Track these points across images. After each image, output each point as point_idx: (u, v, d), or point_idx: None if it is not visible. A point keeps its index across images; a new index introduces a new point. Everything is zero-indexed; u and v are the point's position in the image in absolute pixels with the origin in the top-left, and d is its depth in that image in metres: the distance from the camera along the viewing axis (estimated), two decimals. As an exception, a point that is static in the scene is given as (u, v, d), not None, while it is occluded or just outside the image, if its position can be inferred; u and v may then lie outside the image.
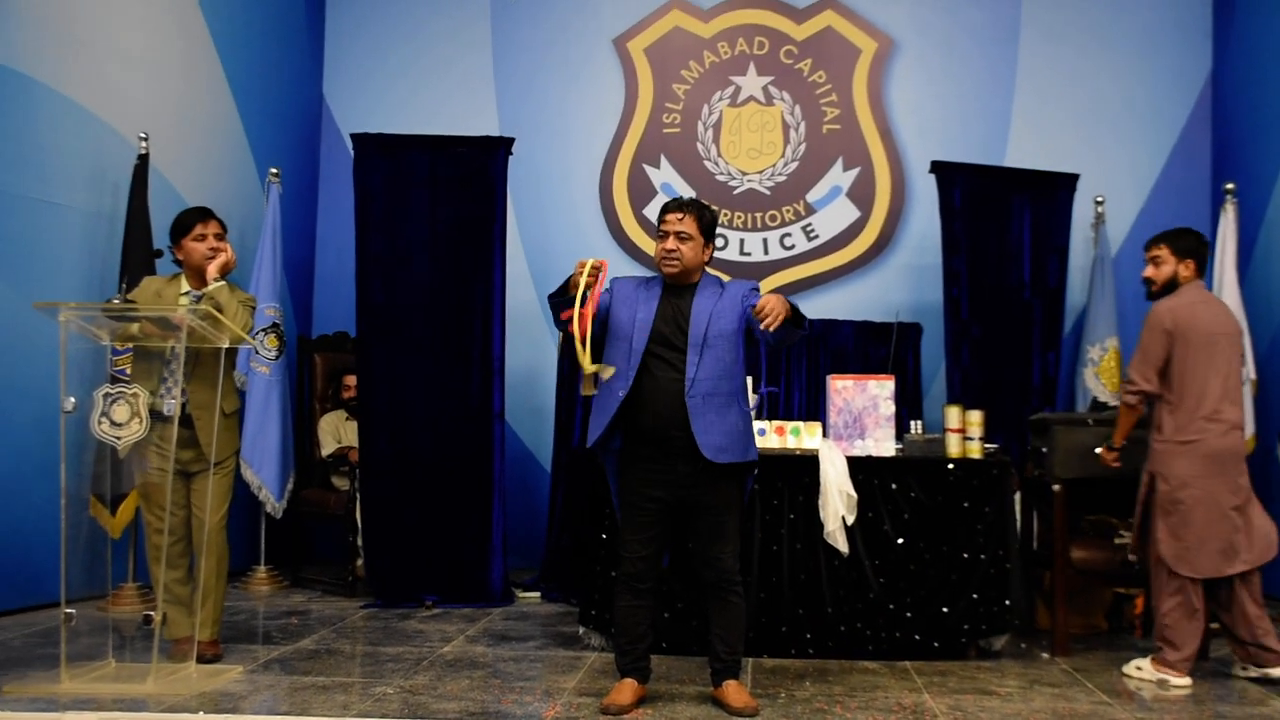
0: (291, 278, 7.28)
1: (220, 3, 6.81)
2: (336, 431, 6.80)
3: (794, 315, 3.89)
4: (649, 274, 4.65)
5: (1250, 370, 6.16)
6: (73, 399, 4.14)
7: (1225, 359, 4.63)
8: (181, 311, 4.27)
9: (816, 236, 7.54)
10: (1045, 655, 5.03)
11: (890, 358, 6.06)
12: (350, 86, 7.90)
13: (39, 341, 4.82)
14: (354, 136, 6.27)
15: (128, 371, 4.80)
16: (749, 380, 4.61)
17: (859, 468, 4.97)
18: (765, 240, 7.57)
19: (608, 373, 4.05)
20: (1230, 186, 6.54)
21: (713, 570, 4.11)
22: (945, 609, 4.91)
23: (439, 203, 6.14)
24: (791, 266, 7.53)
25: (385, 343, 6.08)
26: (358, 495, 6.18)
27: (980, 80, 7.54)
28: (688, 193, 7.52)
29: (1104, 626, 5.59)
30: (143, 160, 5.94)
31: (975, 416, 5.16)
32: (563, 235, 7.54)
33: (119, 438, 4.21)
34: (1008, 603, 4.93)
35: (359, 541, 6.18)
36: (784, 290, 7.46)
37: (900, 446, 5.18)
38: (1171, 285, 4.77)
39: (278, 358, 6.48)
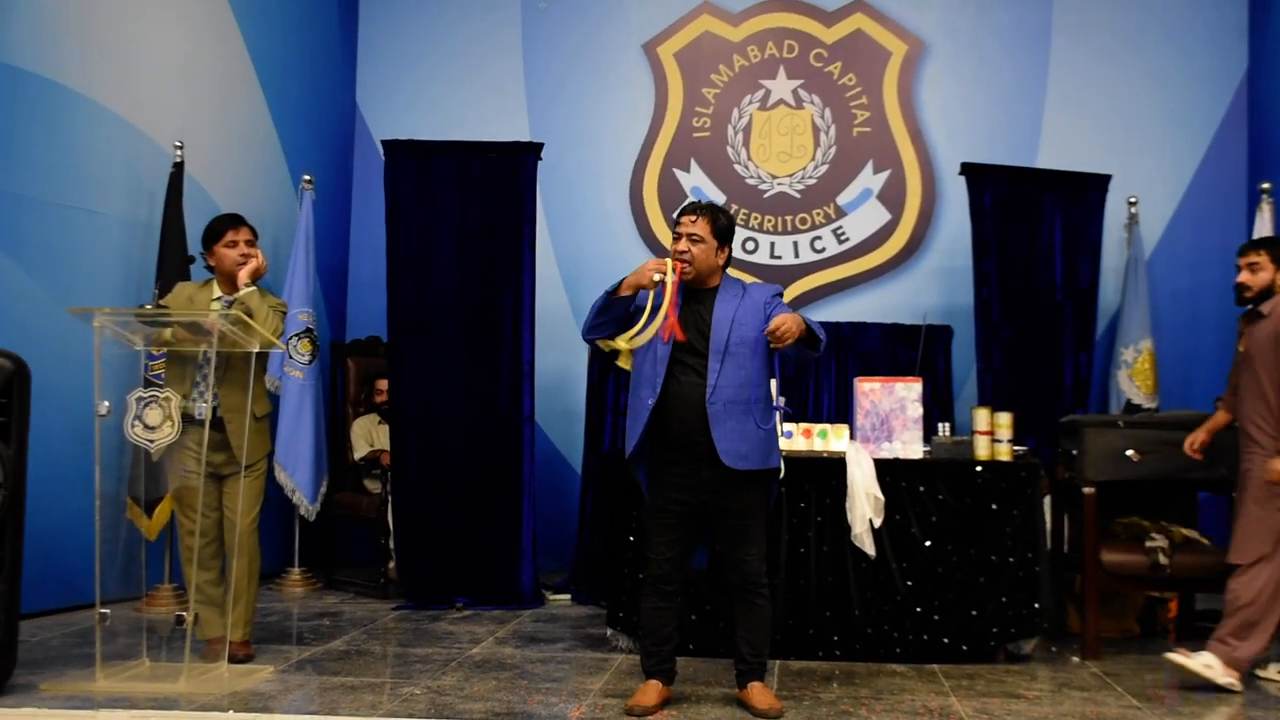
0: (325, 283, 7.37)
1: (254, 12, 6.90)
2: (369, 435, 6.87)
3: (807, 334, 3.90)
4: None
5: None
6: (107, 403, 4.22)
7: None
8: (213, 316, 4.34)
9: (847, 239, 7.53)
10: (1076, 659, 5.00)
11: (918, 360, 6.03)
12: (383, 93, 7.97)
13: (76, 346, 4.90)
14: (385, 143, 6.33)
15: (163, 376, 4.87)
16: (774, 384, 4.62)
17: (886, 470, 4.96)
18: (796, 243, 7.56)
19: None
20: (1266, 186, 6.48)
21: (738, 572, 4.12)
22: (973, 612, 4.88)
23: (469, 208, 6.20)
24: (822, 270, 7.52)
25: (416, 346, 6.14)
26: (389, 498, 6.24)
27: (1011, 81, 7.50)
28: (719, 197, 7.55)
29: (1136, 630, 5.54)
30: (178, 168, 6.03)
31: (1004, 419, 5.13)
32: (593, 239, 7.57)
33: (152, 441, 4.28)
34: (1037, 606, 4.90)
35: (391, 544, 6.23)
36: (815, 294, 7.48)
37: (928, 449, 5.17)
38: (1268, 293, 4.70)
39: (311, 362, 6.55)
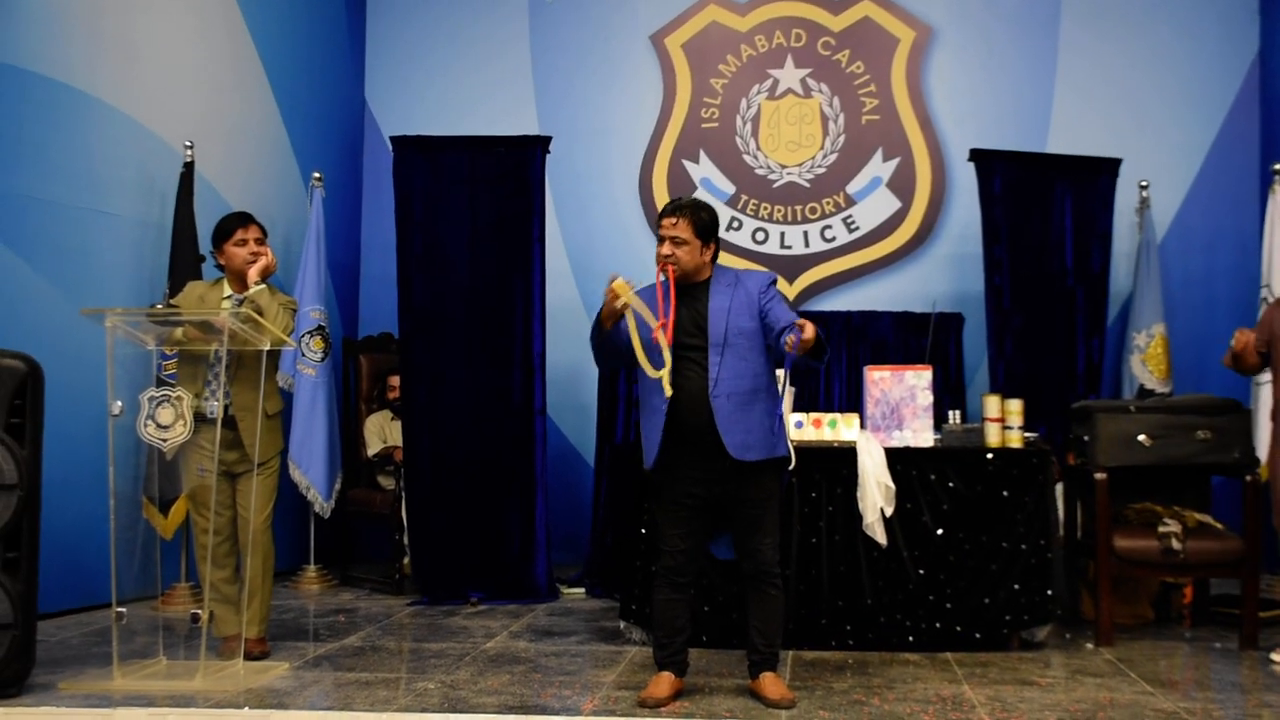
0: (336, 280, 7.39)
1: (263, 11, 6.92)
2: (382, 431, 6.89)
3: (815, 346, 3.86)
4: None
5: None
6: (119, 403, 4.25)
7: None
8: (223, 315, 4.36)
9: (857, 228, 7.52)
10: (1090, 646, 4.99)
11: (929, 348, 6.03)
12: (392, 89, 7.99)
13: (89, 347, 4.94)
14: (393, 139, 6.36)
15: (175, 375, 4.90)
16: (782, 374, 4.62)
17: (897, 459, 4.96)
18: (806, 233, 7.55)
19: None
20: (1278, 168, 6.43)
21: (751, 562, 4.13)
22: (986, 600, 4.88)
23: (478, 202, 6.21)
24: (832, 259, 7.51)
25: (427, 342, 6.16)
26: (403, 494, 6.26)
27: (1020, 67, 7.47)
28: (728, 188, 7.55)
29: (1150, 616, 5.53)
30: (189, 168, 6.07)
31: (1015, 405, 5.12)
32: (603, 232, 7.58)
33: (164, 440, 4.31)
34: (1050, 593, 4.90)
35: (405, 540, 6.26)
36: (825, 283, 7.48)
37: (938, 437, 5.17)
38: None
39: (323, 359, 6.57)
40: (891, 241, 7.49)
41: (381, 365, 7.13)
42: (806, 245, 7.55)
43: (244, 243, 4.68)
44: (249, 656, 4.51)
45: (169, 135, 6.13)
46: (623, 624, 5.09)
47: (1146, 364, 6.70)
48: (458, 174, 6.23)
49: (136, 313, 4.74)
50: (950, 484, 4.96)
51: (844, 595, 4.92)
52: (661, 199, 7.61)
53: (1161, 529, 5.05)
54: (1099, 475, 5.08)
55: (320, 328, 6.59)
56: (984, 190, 6.49)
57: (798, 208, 7.58)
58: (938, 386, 5.45)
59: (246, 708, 3.91)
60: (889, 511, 4.89)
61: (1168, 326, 6.75)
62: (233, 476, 4.65)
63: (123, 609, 4.26)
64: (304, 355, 6.50)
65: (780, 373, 4.15)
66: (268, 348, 4.51)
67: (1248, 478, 5.04)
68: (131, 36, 5.97)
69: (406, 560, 6.29)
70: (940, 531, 4.93)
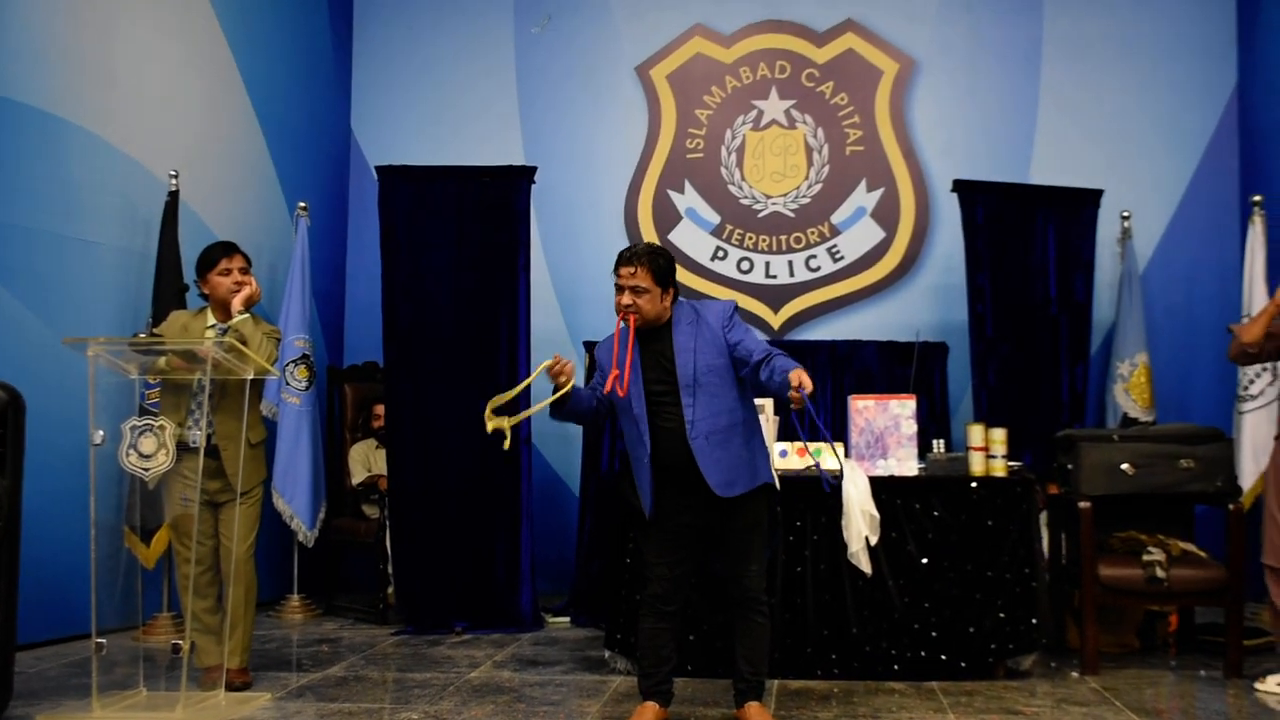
0: (321, 309, 7.38)
1: (248, 40, 6.94)
2: (366, 460, 6.87)
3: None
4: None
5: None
6: (101, 432, 4.23)
7: None
8: (206, 344, 4.36)
9: (842, 258, 7.55)
10: (1075, 674, 4.98)
11: (913, 377, 6.04)
12: (377, 119, 8.01)
13: (71, 376, 4.92)
14: (379, 168, 6.37)
15: (158, 404, 4.89)
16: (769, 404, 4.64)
17: (882, 488, 4.96)
18: (790, 263, 7.58)
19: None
20: (1258, 199, 6.50)
21: (738, 588, 4.12)
22: (971, 628, 4.88)
23: (464, 232, 6.22)
24: (817, 288, 7.54)
25: (412, 371, 6.15)
26: (388, 523, 6.24)
27: (1003, 98, 7.53)
28: (713, 218, 7.58)
29: (1136, 645, 5.52)
30: (173, 197, 6.06)
31: (998, 434, 5.14)
32: (589, 262, 7.56)
33: (146, 469, 4.29)
34: (1035, 621, 4.89)
35: (389, 569, 6.23)
36: (810, 313, 7.50)
37: (923, 466, 5.17)
38: None
39: (308, 388, 6.56)
40: (876, 271, 7.52)
41: (366, 394, 7.11)
42: (791, 275, 7.57)
43: (228, 272, 4.68)
44: (231, 687, 4.48)
45: (153, 164, 6.13)
46: (608, 653, 5.06)
47: (1130, 393, 6.72)
48: (443, 203, 6.24)
49: (119, 342, 4.73)
50: (935, 513, 4.97)
51: (829, 624, 4.91)
52: (647, 229, 7.63)
53: (1146, 557, 5.06)
54: (1083, 504, 5.09)
55: (305, 356, 6.58)
56: (967, 220, 6.53)
57: (782, 237, 7.61)
58: (922, 416, 5.46)
59: (227, 739, 3.88)
60: (874, 540, 4.88)
61: (1150, 356, 6.77)
62: (215, 506, 4.63)
63: (103, 640, 4.23)
64: (288, 384, 6.49)
65: (760, 401, 4.14)
66: (251, 377, 4.50)
67: (1230, 506, 5.05)
68: (115, 65, 5.98)
69: (391, 589, 6.26)
70: (925, 560, 4.92)
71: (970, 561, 4.92)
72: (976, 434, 5.14)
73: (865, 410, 5.17)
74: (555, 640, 5.81)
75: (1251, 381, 6.25)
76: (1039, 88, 7.50)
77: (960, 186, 6.56)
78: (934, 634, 4.88)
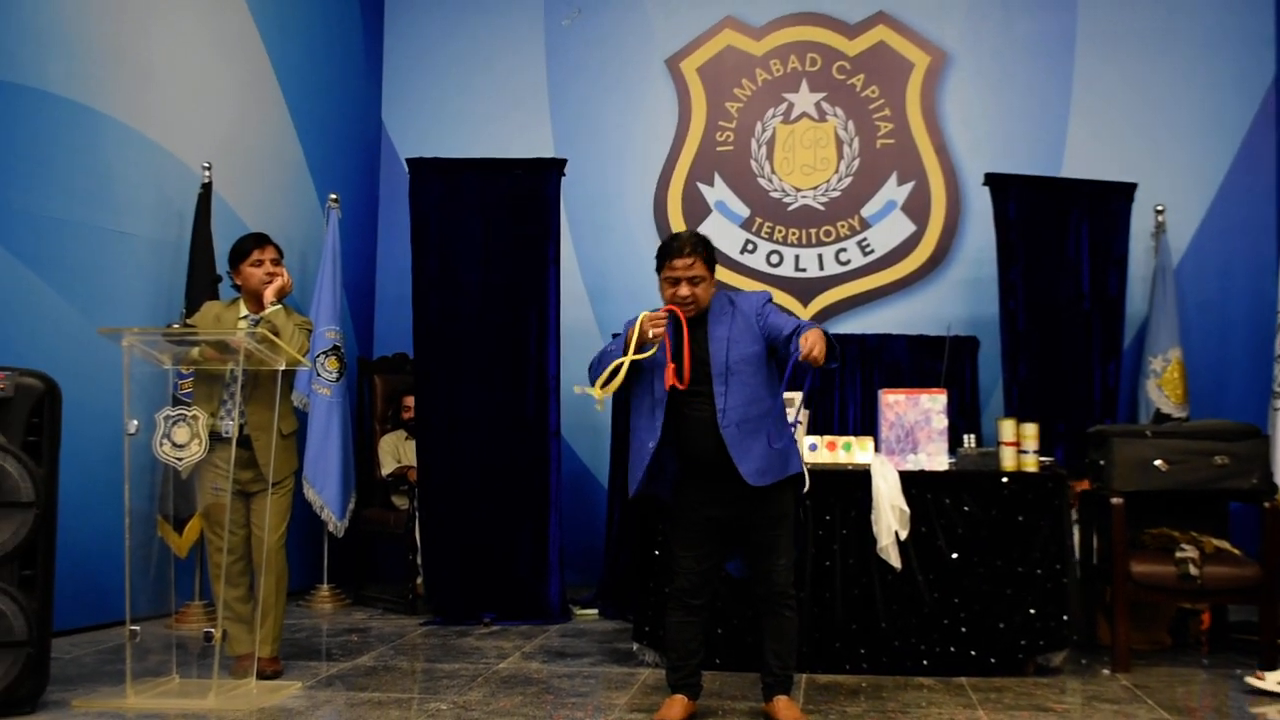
0: (352, 300, 7.42)
1: (281, 33, 6.99)
2: (396, 451, 6.90)
3: (828, 347, 3.82)
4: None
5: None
6: (135, 421, 4.27)
7: None
8: (239, 335, 4.39)
9: (872, 251, 7.52)
10: (1106, 671, 4.95)
11: (944, 372, 6.01)
12: (408, 111, 8.04)
13: (106, 366, 4.97)
14: (409, 160, 6.39)
15: (191, 394, 4.93)
16: (797, 397, 4.62)
17: (911, 482, 4.94)
18: (820, 256, 7.56)
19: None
20: (1295, 193, 6.43)
21: (766, 584, 4.11)
22: (1001, 624, 4.85)
23: (493, 224, 6.23)
24: (847, 282, 7.51)
25: (442, 363, 6.17)
26: (417, 514, 6.27)
27: (1036, 91, 7.47)
28: (742, 210, 7.57)
29: (1168, 642, 5.48)
30: (206, 189, 6.11)
31: (1030, 429, 5.10)
32: (618, 254, 7.58)
33: (179, 459, 4.33)
34: (1066, 618, 4.86)
35: (418, 560, 6.26)
36: (840, 306, 7.47)
37: (953, 460, 5.15)
38: None
39: (338, 379, 6.60)
40: (906, 265, 7.48)
41: (396, 386, 7.14)
42: (821, 268, 7.55)
43: (260, 263, 4.71)
44: (262, 675, 4.51)
45: (187, 156, 6.18)
46: (636, 646, 5.07)
47: (1163, 388, 6.67)
48: (473, 196, 6.25)
49: (153, 332, 4.78)
50: (965, 508, 4.94)
51: (858, 619, 4.90)
52: (676, 222, 7.62)
53: (1178, 554, 5.02)
54: (1115, 500, 5.06)
55: (336, 348, 6.62)
56: (999, 214, 6.48)
57: (812, 231, 7.58)
58: (952, 410, 5.43)
59: (259, 727, 3.92)
60: (903, 535, 4.87)
61: (1184, 351, 6.72)
62: (247, 495, 4.66)
63: (136, 627, 4.28)
64: (319, 375, 6.52)
65: (789, 395, 4.12)
66: (283, 368, 4.52)
67: (1266, 504, 5.01)
68: (150, 58, 6.02)
69: (420, 580, 6.29)
70: (955, 555, 4.90)
71: (1000, 557, 4.90)
72: (1008, 429, 5.11)
73: (896, 404, 5.15)
74: (583, 632, 5.82)
75: (1287, 377, 6.19)
76: (1072, 80, 7.44)
77: (992, 180, 6.52)
78: (964, 629, 4.86)
